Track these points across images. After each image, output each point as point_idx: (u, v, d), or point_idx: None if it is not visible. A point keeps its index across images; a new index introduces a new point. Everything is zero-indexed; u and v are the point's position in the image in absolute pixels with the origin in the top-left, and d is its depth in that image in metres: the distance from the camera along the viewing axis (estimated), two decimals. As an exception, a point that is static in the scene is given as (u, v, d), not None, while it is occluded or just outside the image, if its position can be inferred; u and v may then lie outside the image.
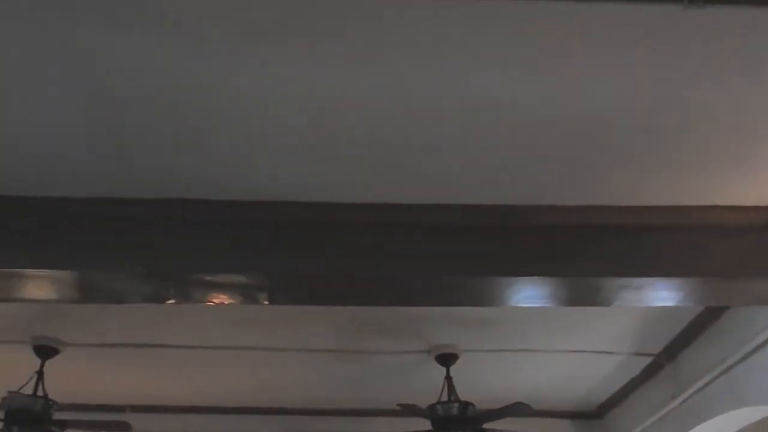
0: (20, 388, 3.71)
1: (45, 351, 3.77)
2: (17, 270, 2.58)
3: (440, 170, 2.41)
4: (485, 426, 3.86)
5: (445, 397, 3.91)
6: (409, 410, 3.76)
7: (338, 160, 2.38)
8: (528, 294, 2.73)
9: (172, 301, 2.74)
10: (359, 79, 2.00)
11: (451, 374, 3.99)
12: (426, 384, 4.08)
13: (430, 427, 3.88)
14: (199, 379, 4.30)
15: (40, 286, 2.70)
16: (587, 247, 2.61)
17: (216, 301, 2.77)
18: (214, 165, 2.41)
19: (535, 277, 2.59)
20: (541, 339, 3.87)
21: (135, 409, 4.56)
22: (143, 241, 2.57)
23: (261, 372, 4.20)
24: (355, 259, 2.58)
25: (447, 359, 3.94)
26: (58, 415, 3.77)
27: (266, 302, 2.81)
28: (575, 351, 4.02)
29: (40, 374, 3.78)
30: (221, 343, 3.82)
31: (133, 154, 2.37)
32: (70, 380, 4.04)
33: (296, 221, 2.64)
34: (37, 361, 3.82)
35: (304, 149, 2.32)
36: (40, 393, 3.75)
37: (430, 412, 3.83)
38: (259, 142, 2.29)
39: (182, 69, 1.98)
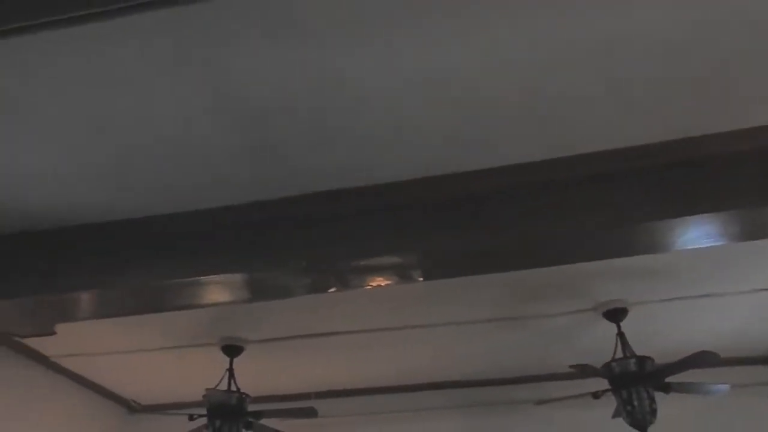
0: (216, 386, 4.07)
1: (232, 350, 4.11)
2: (196, 278, 2.84)
3: (587, 119, 2.32)
4: (668, 380, 3.67)
5: (619, 354, 3.76)
6: (583, 371, 3.66)
7: (478, 127, 2.36)
8: (699, 233, 2.54)
9: (333, 290, 2.88)
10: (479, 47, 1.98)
11: (623, 329, 3.82)
12: (596, 343, 3.95)
13: (608, 386, 3.76)
14: (371, 360, 4.47)
15: (217, 290, 2.95)
16: (755, 175, 2.39)
17: (373, 284, 2.87)
18: (355, 154, 2.50)
19: (707, 214, 2.42)
20: (717, 282, 3.58)
21: (319, 395, 4.83)
22: (301, 236, 2.73)
23: (428, 348, 4.28)
24: (507, 223, 2.55)
25: (616, 314, 3.78)
26: (251, 407, 4.10)
27: (421, 279, 2.86)
28: (759, 290, 3.68)
29: (230, 371, 4.13)
30: (384, 324, 3.94)
31: (279, 157, 2.52)
32: (256, 374, 4.39)
33: (440, 195, 2.67)
34: (226, 360, 4.18)
35: (437, 124, 2.34)
36: (233, 388, 4.10)
37: (606, 371, 3.70)
38: (394, 126, 2.34)
39: (311, 71, 2.08)
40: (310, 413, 4.01)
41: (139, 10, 1.71)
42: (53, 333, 3.85)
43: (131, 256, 2.94)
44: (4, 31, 1.69)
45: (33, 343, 4.11)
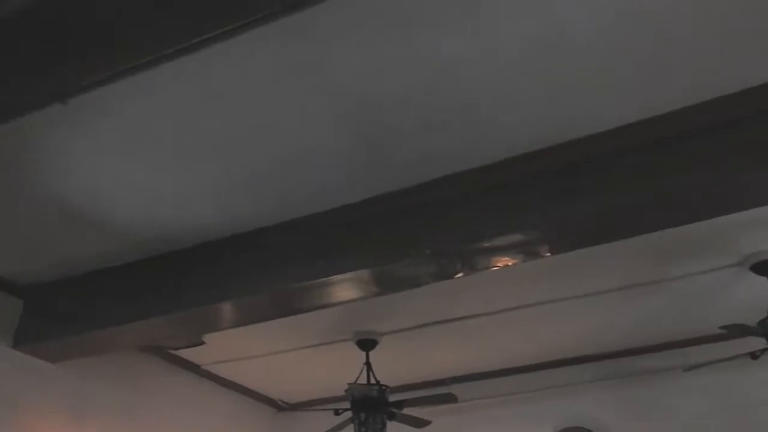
0: (355, 380, 4.18)
1: (367, 343, 4.21)
2: (326, 279, 2.93)
3: (712, 64, 2.17)
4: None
5: (774, 310, 3.48)
6: (735, 331, 3.42)
7: (593, 88, 2.27)
8: None
9: (460, 275, 2.87)
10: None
11: (776, 280, 3.53)
12: (745, 299, 3.68)
13: (766, 345, 3.49)
14: (504, 341, 4.41)
15: (347, 288, 3.02)
16: None
17: (500, 264, 2.82)
18: (467, 136, 2.48)
19: None
20: None
21: (455, 380, 4.83)
22: (421, 225, 2.74)
23: (563, 323, 4.17)
24: (637, 181, 2.44)
25: (767, 267, 3.49)
26: (392, 398, 4.18)
27: (548, 254, 2.78)
28: None
29: (368, 365, 4.23)
30: (515, 303, 3.87)
31: (392, 149, 2.55)
32: (392, 365, 4.45)
33: (556, 165, 2.60)
34: (362, 354, 4.28)
35: (547, 93, 2.28)
36: (372, 381, 4.19)
37: (762, 329, 3.44)
38: (503, 101, 2.31)
39: (422, 60, 2.10)
40: (450, 399, 4.03)
41: (250, 27, 1.77)
42: (202, 343, 4.13)
43: (263, 265, 3.09)
44: (133, 67, 1.82)
45: (184, 353, 4.41)
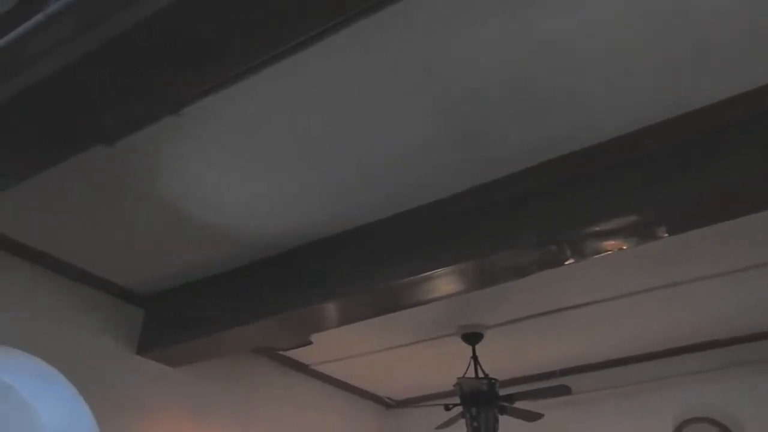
0: (463, 374, 4.13)
1: (472, 337, 4.15)
2: (428, 273, 2.89)
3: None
4: None
5: None
6: None
7: (700, 57, 2.12)
8: None
9: (569, 261, 2.76)
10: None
11: None
12: None
13: None
14: (615, 330, 4.22)
15: (450, 282, 2.98)
16: None
17: (612, 248, 2.69)
18: (569, 118, 2.40)
19: None
20: None
21: (566, 372, 4.69)
22: (524, 213, 2.66)
23: (678, 309, 3.93)
24: (755, 156, 2.25)
25: None
26: (502, 392, 4.10)
27: (666, 235, 2.62)
28: None
29: (475, 358, 4.17)
30: (626, 290, 3.69)
31: (493, 138, 2.49)
32: (499, 358, 4.38)
33: (664, 142, 2.46)
34: (468, 348, 4.22)
35: (649, 66, 2.15)
36: (480, 375, 4.13)
37: None
38: (605, 78, 2.21)
39: (522, 42, 2.04)
40: (564, 391, 3.91)
41: (347, 24, 1.77)
42: (310, 343, 4.21)
43: (366, 262, 3.10)
44: (237, 74, 1.86)
45: (293, 354, 4.52)
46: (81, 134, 1.96)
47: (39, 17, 1.66)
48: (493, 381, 3.99)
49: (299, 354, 4.51)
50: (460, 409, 4.07)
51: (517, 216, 2.74)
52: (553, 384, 4.03)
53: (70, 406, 3.39)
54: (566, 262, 2.76)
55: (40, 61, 1.70)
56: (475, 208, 2.86)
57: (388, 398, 5.53)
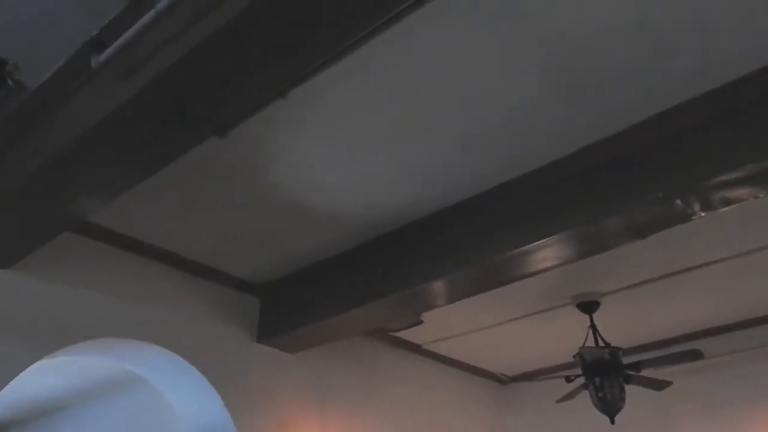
0: (582, 345, 3.99)
1: (589, 306, 4.00)
2: (541, 242, 2.79)
3: None
4: None
5: None
6: None
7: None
8: None
9: (697, 216, 2.58)
10: None
11: None
12: None
13: None
14: (749, 288, 3.94)
15: (567, 248, 2.86)
16: None
17: (745, 197, 2.49)
18: (686, 61, 2.24)
19: None
20: None
21: (691, 336, 4.45)
22: (647, 167, 2.51)
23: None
24: None
25: None
26: (625, 360, 3.93)
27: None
28: None
29: (593, 327, 4.02)
30: (758, 244, 3.43)
31: (604, 91, 2.37)
32: (619, 326, 4.21)
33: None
34: (585, 317, 4.08)
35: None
36: (600, 344, 3.98)
37: None
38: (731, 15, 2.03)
39: None
40: (695, 356, 3.69)
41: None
42: (421, 322, 4.20)
43: (471, 237, 3.03)
44: (337, 54, 1.85)
45: (406, 334, 4.53)
46: (196, 128, 2.01)
47: (151, 14, 1.71)
48: (616, 349, 3.83)
49: (411, 334, 4.51)
50: (581, 380, 3.94)
51: (635, 173, 2.59)
52: (681, 349, 3.81)
53: (201, 394, 3.55)
54: (693, 217, 2.58)
55: (155, 57, 1.74)
56: (585, 169, 2.74)
57: (503, 374, 5.46)
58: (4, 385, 2.60)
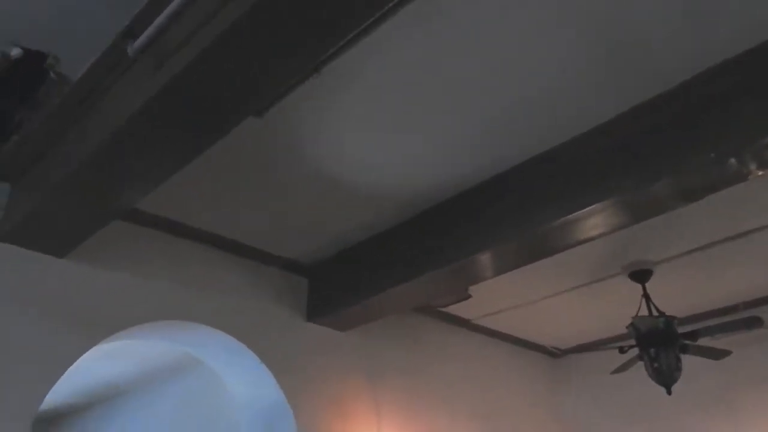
0: (635, 315, 3.89)
1: (641, 275, 3.89)
2: (589, 209, 2.71)
3: None
4: None
5: None
6: None
7: None
8: None
9: (754, 175, 2.45)
10: None
11: None
12: None
13: None
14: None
15: (609, 217, 2.77)
16: None
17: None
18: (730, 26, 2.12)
19: None
20: None
21: (750, 304, 4.29)
22: (697, 127, 2.41)
23: None
24: None
25: None
26: (681, 329, 3.82)
27: None
28: None
29: (646, 296, 3.92)
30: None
31: (641, 56, 2.28)
32: (674, 294, 4.08)
33: None
34: (637, 287, 3.97)
35: None
36: (654, 313, 3.87)
37: None
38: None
39: None
40: (754, 324, 3.56)
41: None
42: (469, 296, 4.17)
43: (516, 207, 2.98)
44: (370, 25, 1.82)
45: (454, 310, 4.51)
46: (233, 110, 2.02)
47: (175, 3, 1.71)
48: (671, 318, 3.72)
49: (460, 309, 4.49)
50: (635, 351, 3.86)
51: (685, 133, 2.49)
52: (740, 317, 3.68)
53: (255, 375, 3.61)
54: (749, 177, 2.47)
55: (189, 41, 1.75)
56: (631, 133, 2.65)
57: (555, 347, 5.39)
58: (65, 370, 2.70)
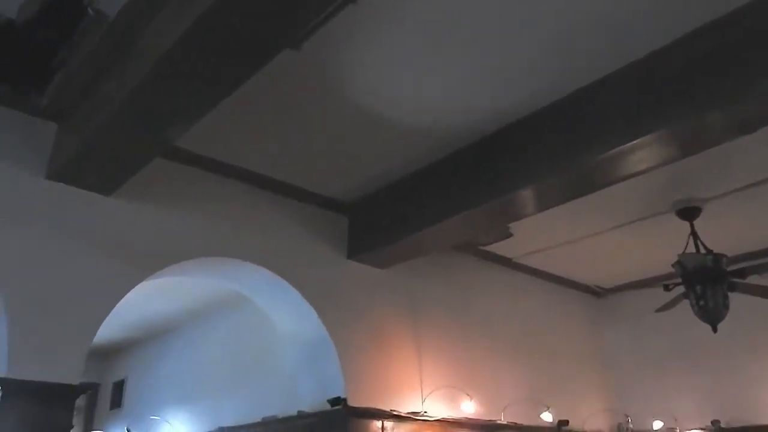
0: (683, 252, 3.79)
1: (689, 212, 3.79)
2: (636, 141, 2.61)
3: None
4: None
5: None
6: None
7: None
8: None
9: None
10: None
11: None
12: None
13: None
14: None
15: (656, 150, 2.68)
16: None
17: None
18: None
19: None
20: None
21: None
22: (749, 55, 2.28)
23: None
24: None
25: None
26: (729, 268, 3.72)
27: None
28: None
29: (694, 234, 3.81)
30: None
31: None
32: (723, 233, 3.97)
33: None
34: (684, 225, 3.86)
35: None
36: (701, 251, 3.77)
37: None
38: None
39: None
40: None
41: None
42: (510, 235, 4.14)
43: (559, 141, 2.89)
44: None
45: (496, 248, 4.49)
46: (270, 39, 1.98)
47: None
48: (719, 256, 3.62)
49: (502, 248, 4.47)
50: (681, 289, 3.78)
51: (742, 60, 2.35)
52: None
53: (299, 311, 3.69)
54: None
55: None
56: (685, 61, 2.51)
57: (597, 286, 5.35)
58: (116, 303, 2.79)
